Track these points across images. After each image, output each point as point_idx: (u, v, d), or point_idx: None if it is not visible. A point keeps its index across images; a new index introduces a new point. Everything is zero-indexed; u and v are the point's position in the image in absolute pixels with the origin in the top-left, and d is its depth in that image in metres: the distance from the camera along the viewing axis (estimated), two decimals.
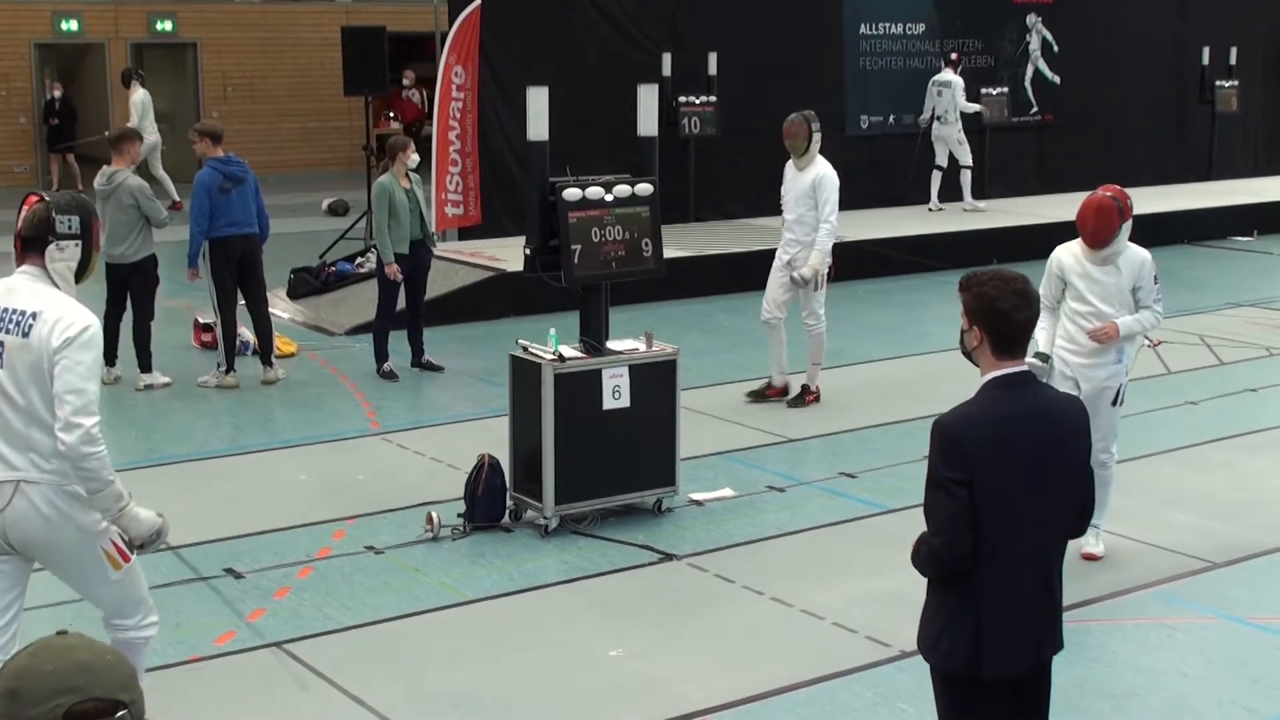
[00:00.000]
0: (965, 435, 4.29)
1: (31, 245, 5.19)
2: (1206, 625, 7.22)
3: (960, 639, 4.38)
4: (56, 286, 5.16)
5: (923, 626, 4.53)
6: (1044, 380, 6.48)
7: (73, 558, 5.26)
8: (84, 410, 4.95)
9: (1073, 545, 7.50)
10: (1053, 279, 7.75)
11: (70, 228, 5.20)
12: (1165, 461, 9.81)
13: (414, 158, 12.06)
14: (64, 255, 5.19)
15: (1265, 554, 8.19)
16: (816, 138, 10.83)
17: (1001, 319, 4.35)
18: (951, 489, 4.26)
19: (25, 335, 5.03)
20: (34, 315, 5.04)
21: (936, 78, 19.55)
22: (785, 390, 11.31)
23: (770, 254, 11.30)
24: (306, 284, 15.35)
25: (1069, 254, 7.70)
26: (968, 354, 4.51)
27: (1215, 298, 15.95)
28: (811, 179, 10.80)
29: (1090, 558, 7.98)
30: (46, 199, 5.29)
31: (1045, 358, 7.65)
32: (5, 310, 5.10)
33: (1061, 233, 8.19)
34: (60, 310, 5.06)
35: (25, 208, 5.26)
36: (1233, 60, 23.10)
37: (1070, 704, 6.31)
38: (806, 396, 11.20)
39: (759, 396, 11.30)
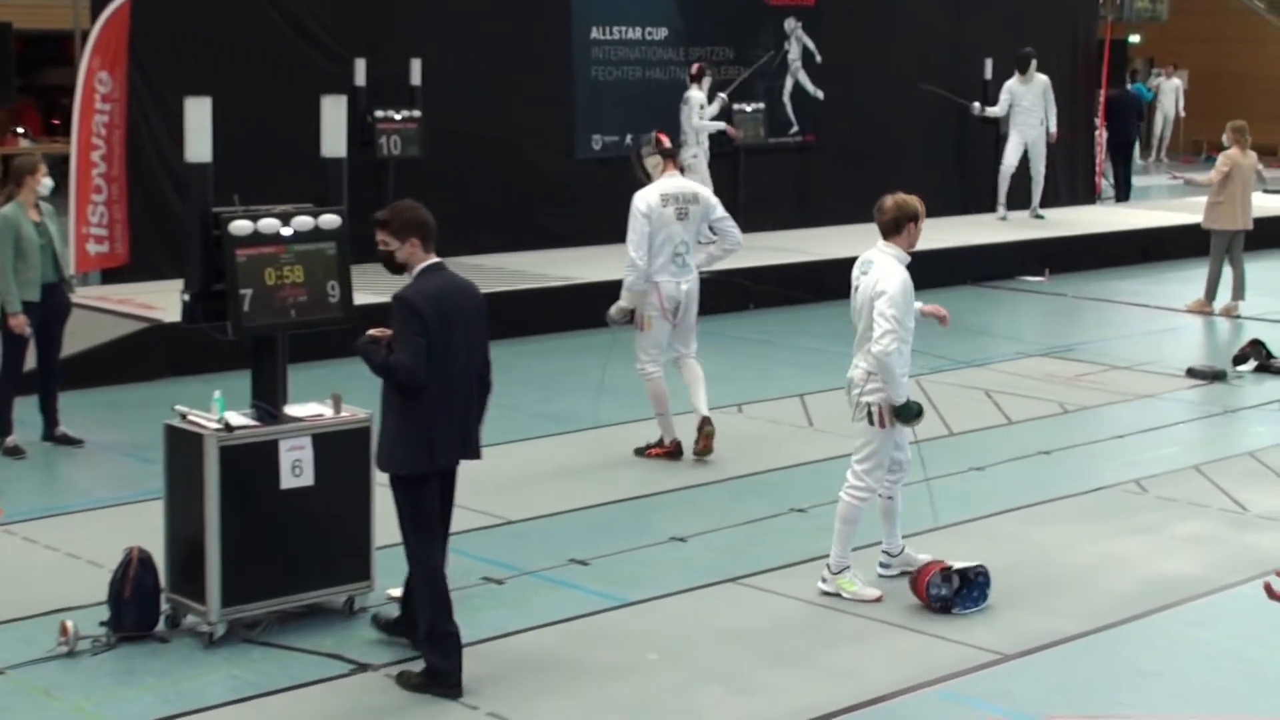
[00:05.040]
0: (420, 302, 7.46)
1: None
2: None
3: (413, 447, 7.51)
4: None
5: (383, 448, 7.64)
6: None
7: None
8: None
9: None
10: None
11: None
12: (947, 536, 10.07)
13: (46, 183, 11.82)
14: None
15: (1063, 642, 8.47)
16: (649, 162, 11.83)
17: (425, 227, 7.63)
18: (415, 339, 7.37)
19: None
20: None
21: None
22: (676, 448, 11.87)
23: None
24: None
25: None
26: (402, 267, 7.65)
27: (1003, 346, 16.52)
28: None
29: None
30: None
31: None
32: None
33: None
34: None
35: None
36: None
37: None
38: (649, 450, 11.90)
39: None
